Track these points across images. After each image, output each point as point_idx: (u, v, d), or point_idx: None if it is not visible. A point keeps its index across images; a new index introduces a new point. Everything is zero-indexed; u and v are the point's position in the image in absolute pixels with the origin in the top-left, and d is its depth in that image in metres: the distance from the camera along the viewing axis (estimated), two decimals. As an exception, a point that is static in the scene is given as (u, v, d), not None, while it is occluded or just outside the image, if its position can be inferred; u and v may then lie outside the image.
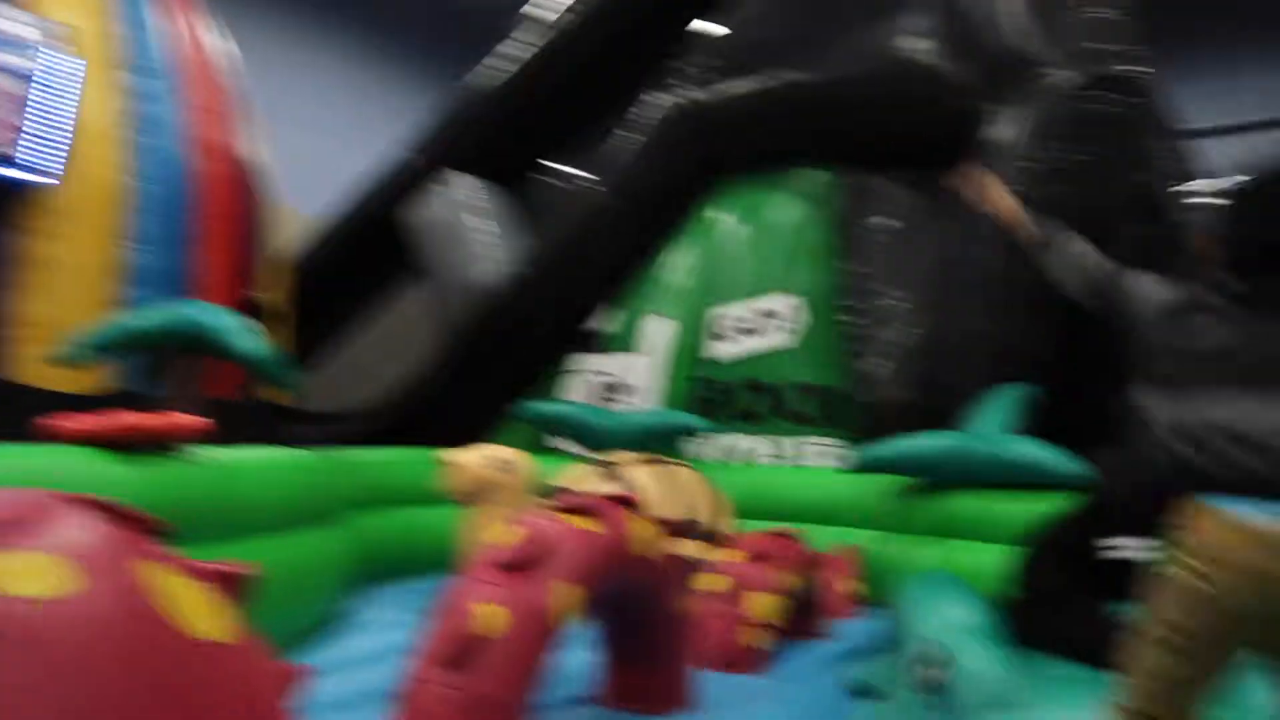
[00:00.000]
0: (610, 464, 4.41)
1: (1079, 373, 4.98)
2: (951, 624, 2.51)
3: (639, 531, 2.64)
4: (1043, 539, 2.94)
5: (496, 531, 2.35)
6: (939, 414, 4.92)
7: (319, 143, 10.07)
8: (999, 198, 1.95)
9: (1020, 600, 2.79)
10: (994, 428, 4.57)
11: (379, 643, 3.47)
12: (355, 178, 8.16)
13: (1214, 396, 1.36)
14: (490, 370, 6.64)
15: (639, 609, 2.77)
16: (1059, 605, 2.62)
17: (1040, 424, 4.60)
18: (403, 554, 4.92)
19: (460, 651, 1.91)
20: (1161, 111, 5.62)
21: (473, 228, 7.06)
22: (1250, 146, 10.85)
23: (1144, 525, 2.53)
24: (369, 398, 7.31)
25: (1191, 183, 5.30)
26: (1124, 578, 2.63)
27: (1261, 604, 1.28)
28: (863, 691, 3.17)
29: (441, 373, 6.80)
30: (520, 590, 2.06)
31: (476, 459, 3.82)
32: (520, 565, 2.09)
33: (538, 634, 2.05)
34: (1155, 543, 1.97)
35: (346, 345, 8.29)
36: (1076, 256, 1.77)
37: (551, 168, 8.24)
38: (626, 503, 2.69)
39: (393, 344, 7.93)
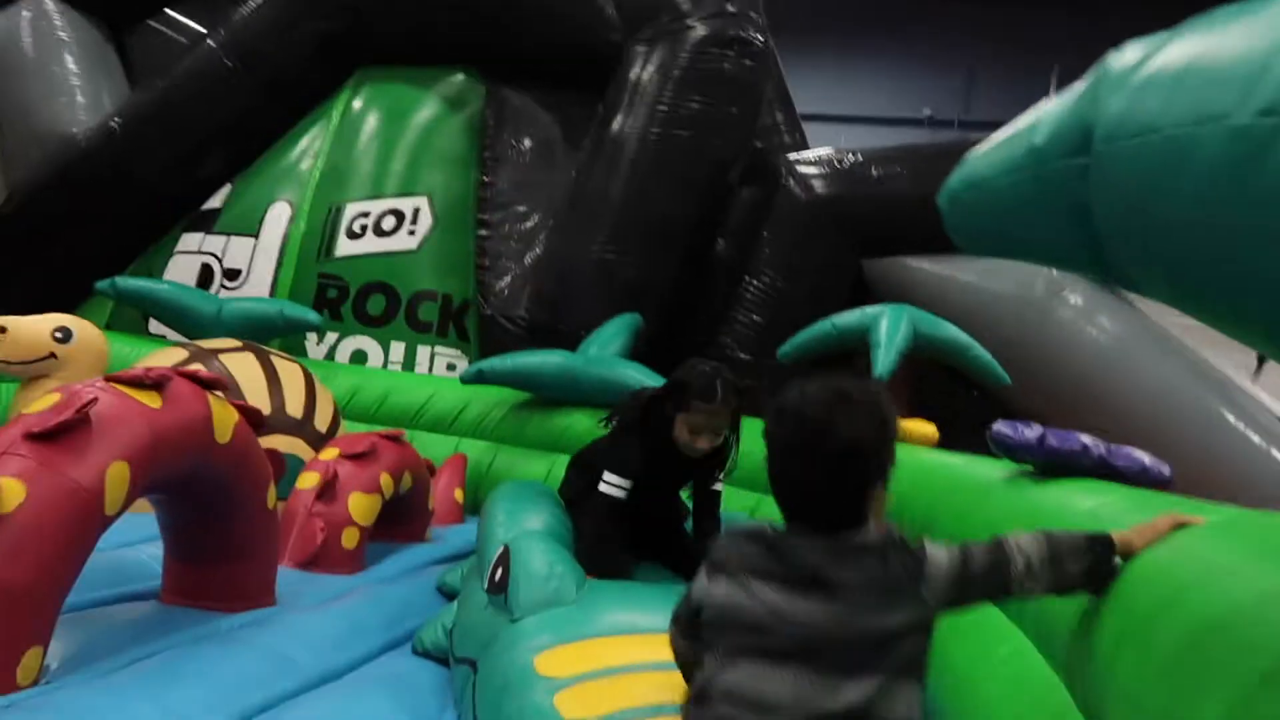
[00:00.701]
0: (204, 349, 4.01)
1: (686, 309, 5.41)
2: (522, 528, 2.59)
3: (220, 416, 2.41)
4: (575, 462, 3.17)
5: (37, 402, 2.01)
6: (556, 333, 5.08)
7: None
8: None
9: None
10: (605, 351, 4.82)
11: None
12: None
13: (740, 665, 1.36)
14: (67, 233, 5.73)
15: (216, 500, 2.55)
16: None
17: (647, 351, 4.92)
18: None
19: (-40, 529, 1.61)
20: (779, 86, 6.19)
21: (55, 62, 5.97)
22: (855, 137, 12.46)
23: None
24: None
25: (799, 154, 5.92)
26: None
27: None
28: (450, 593, 3.21)
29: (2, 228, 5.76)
30: (49, 464, 1.78)
31: (30, 326, 3.27)
32: (51, 436, 1.80)
33: (70, 514, 1.79)
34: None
35: None
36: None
37: (168, 16, 7.22)
38: (209, 385, 2.44)
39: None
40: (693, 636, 1.53)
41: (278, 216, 5.78)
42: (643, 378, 4.62)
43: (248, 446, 2.57)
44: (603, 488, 2.78)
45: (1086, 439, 2.35)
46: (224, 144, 5.84)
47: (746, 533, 1.45)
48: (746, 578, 1.38)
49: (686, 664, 1.64)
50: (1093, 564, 1.33)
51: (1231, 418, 4.78)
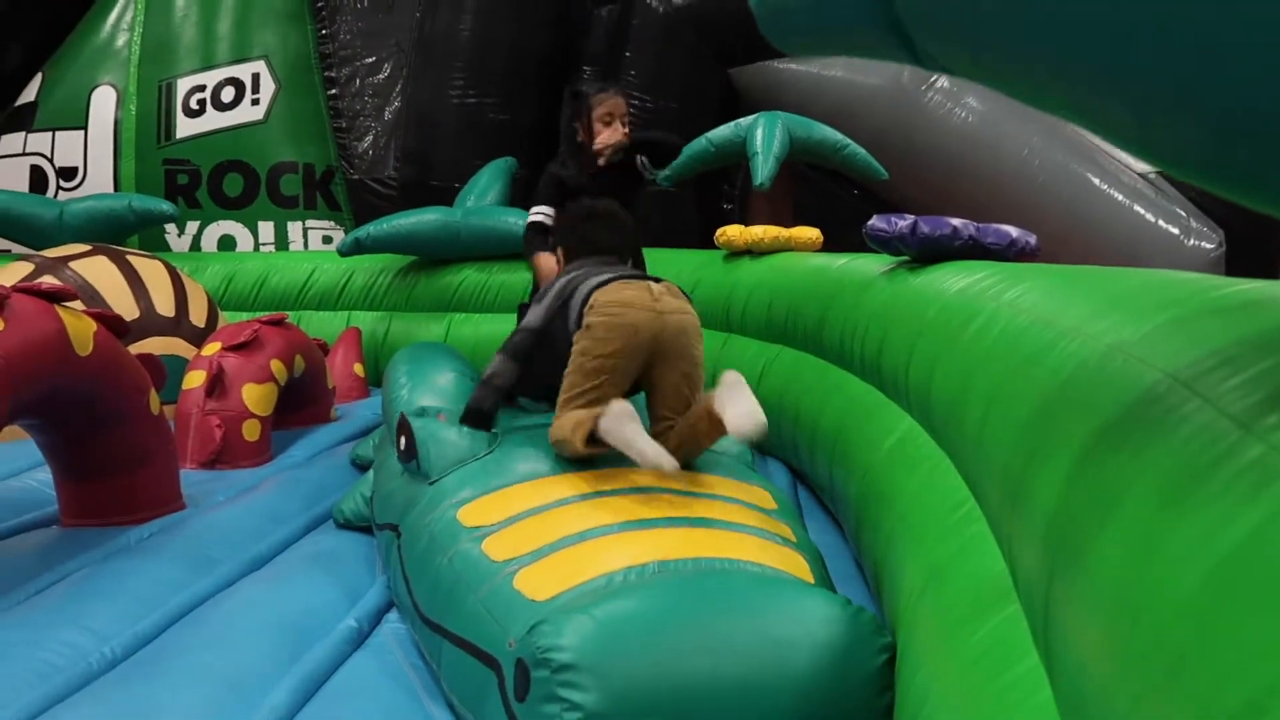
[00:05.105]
0: (52, 258, 3.75)
1: (559, 145, 5.25)
2: (426, 390, 2.57)
3: (75, 329, 2.27)
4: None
5: None
6: (429, 189, 4.90)
7: None
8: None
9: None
10: (483, 201, 4.68)
11: None
12: None
13: (599, 274, 2.20)
14: None
15: (92, 414, 2.44)
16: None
17: (526, 195, 4.79)
18: None
19: None
20: None
21: None
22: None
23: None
24: None
25: None
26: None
27: (634, 311, 2.06)
28: (364, 465, 3.20)
29: None
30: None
31: None
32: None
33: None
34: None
35: None
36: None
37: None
38: (55, 297, 2.28)
39: None
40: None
41: (103, 102, 5.30)
42: (525, 223, 4.52)
43: (114, 355, 2.44)
44: (535, 216, 3.04)
45: (956, 222, 2.41)
46: (20, 27, 5.25)
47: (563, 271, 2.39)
48: (578, 270, 2.31)
49: (494, 379, 2.34)
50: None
51: (1096, 180, 4.96)
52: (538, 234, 3.04)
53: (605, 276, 2.17)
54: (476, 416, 2.31)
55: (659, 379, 2.10)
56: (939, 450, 1.77)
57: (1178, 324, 0.92)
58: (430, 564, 1.92)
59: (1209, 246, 4.83)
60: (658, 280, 2.20)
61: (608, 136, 2.94)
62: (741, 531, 1.76)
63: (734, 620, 1.41)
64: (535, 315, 2.32)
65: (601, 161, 2.95)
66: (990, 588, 1.09)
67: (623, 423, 1.85)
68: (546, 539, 1.74)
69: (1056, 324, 1.21)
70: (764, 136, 4.21)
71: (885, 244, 2.63)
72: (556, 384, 2.26)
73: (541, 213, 3.04)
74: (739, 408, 1.86)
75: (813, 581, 1.65)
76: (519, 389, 2.77)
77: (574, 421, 1.96)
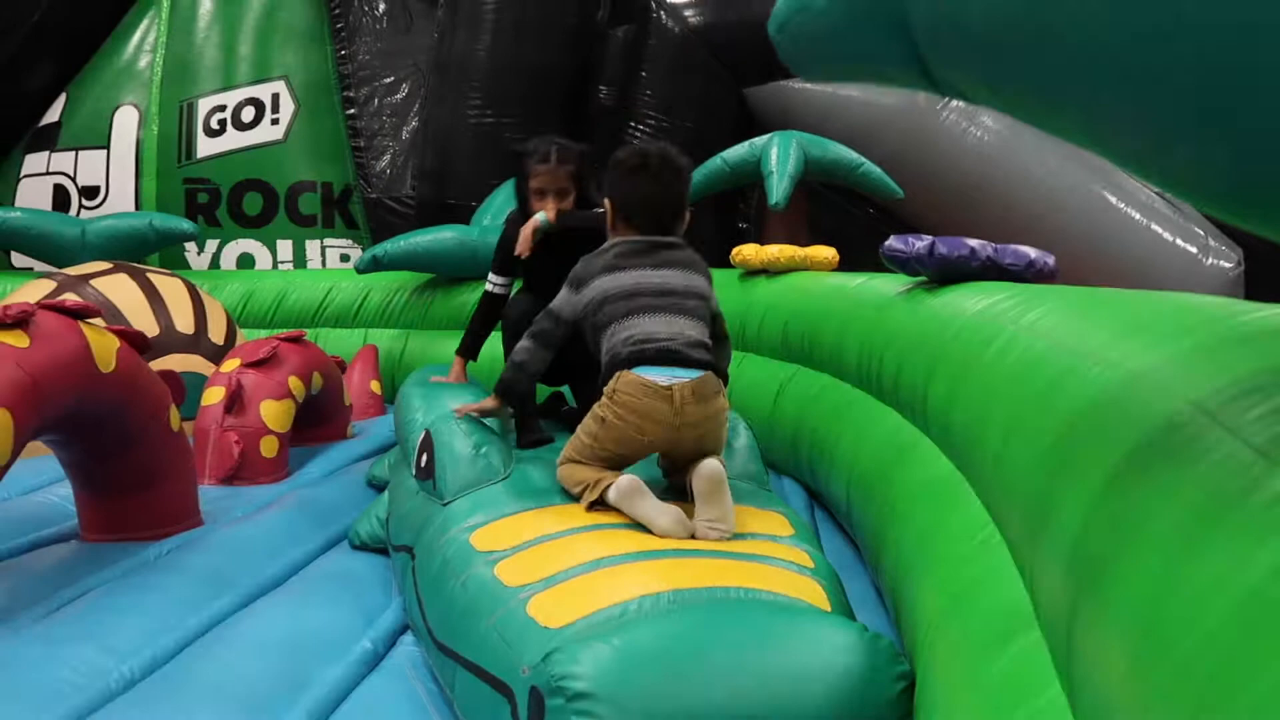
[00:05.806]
0: (74, 276, 3.79)
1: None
2: (442, 411, 2.57)
3: (99, 345, 2.29)
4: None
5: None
6: (446, 208, 4.94)
7: None
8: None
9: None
10: (499, 220, 4.70)
11: None
12: None
13: (635, 320, 2.11)
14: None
15: (113, 430, 2.46)
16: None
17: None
18: None
19: None
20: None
21: None
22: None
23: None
24: None
25: None
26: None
27: (650, 424, 2.02)
28: (380, 485, 3.21)
29: None
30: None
31: None
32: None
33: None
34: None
35: None
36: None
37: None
38: (78, 314, 2.31)
39: None
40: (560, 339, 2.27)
41: (125, 122, 5.37)
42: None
43: (136, 371, 2.46)
44: (488, 286, 2.92)
45: (974, 242, 2.41)
46: (48, 47, 5.33)
47: (608, 247, 2.22)
48: (620, 270, 2.16)
49: (526, 366, 2.30)
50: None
51: (1113, 198, 4.95)
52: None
53: (640, 338, 2.06)
54: (510, 392, 2.34)
55: (672, 455, 2.13)
56: (958, 474, 1.76)
57: (1200, 350, 0.91)
58: (443, 587, 1.92)
59: (1228, 265, 4.81)
60: (694, 367, 2.05)
61: (539, 208, 2.72)
62: (757, 561, 1.75)
63: (750, 649, 1.40)
64: (570, 306, 2.22)
65: (518, 251, 2.74)
66: (1011, 615, 1.08)
67: (632, 500, 1.92)
68: (560, 565, 1.73)
69: (1077, 348, 1.20)
70: (779, 156, 4.23)
71: (902, 265, 2.63)
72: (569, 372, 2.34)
73: (493, 282, 2.91)
74: (710, 513, 1.88)
75: (830, 609, 1.64)
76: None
77: (580, 485, 2.03)
